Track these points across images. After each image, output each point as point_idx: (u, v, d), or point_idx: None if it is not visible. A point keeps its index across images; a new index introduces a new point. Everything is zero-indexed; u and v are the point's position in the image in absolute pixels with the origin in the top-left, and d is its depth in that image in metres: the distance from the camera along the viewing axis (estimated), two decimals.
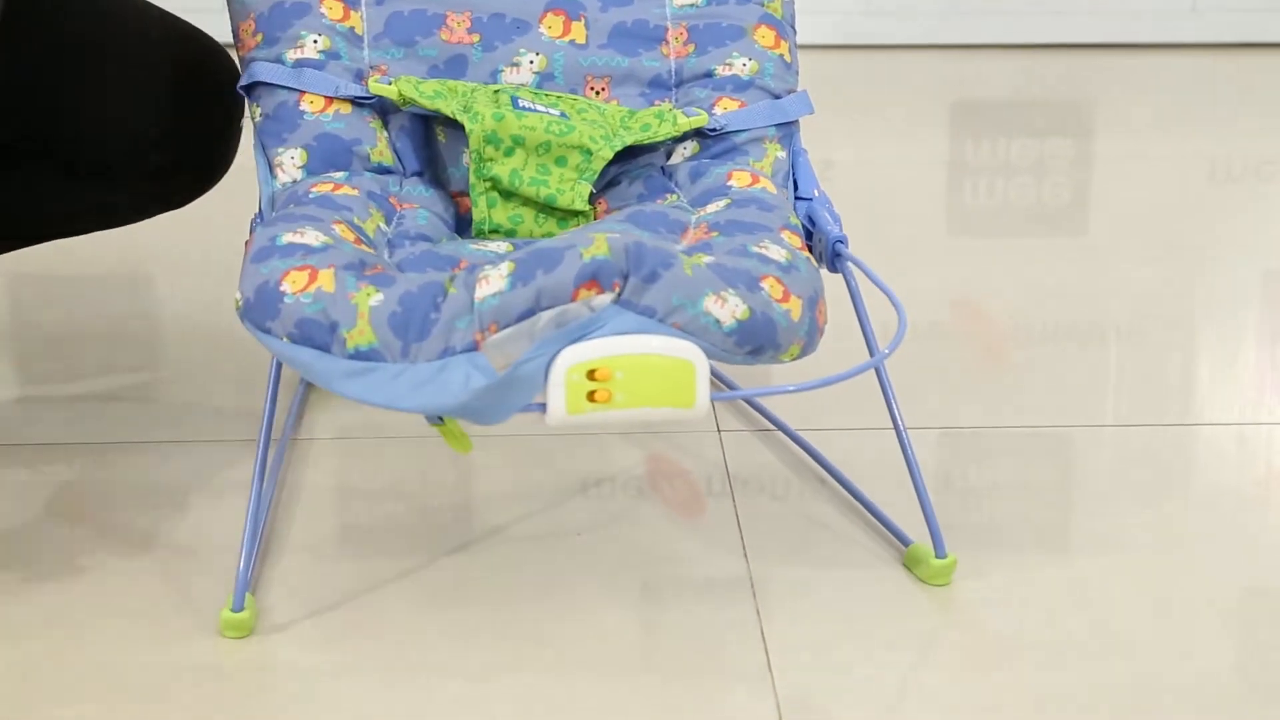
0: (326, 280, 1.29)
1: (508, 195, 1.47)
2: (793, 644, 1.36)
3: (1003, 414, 1.76)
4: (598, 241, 1.26)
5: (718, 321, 1.28)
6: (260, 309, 1.30)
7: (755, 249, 1.35)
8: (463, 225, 1.50)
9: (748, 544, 1.51)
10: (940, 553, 1.44)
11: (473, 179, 1.46)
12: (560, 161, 1.46)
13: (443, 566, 1.47)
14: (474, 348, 1.25)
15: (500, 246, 1.42)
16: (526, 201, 1.47)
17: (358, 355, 1.27)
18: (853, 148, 2.53)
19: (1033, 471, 1.66)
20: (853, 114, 2.70)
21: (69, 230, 1.68)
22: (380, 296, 1.28)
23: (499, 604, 1.42)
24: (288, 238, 1.34)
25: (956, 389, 1.81)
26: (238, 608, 1.36)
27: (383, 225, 1.42)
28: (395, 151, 1.51)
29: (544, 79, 1.54)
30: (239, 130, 1.63)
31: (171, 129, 1.57)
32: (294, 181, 1.46)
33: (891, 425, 1.45)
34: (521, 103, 1.47)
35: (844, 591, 1.44)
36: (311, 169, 1.47)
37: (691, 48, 1.56)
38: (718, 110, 1.53)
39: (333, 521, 1.56)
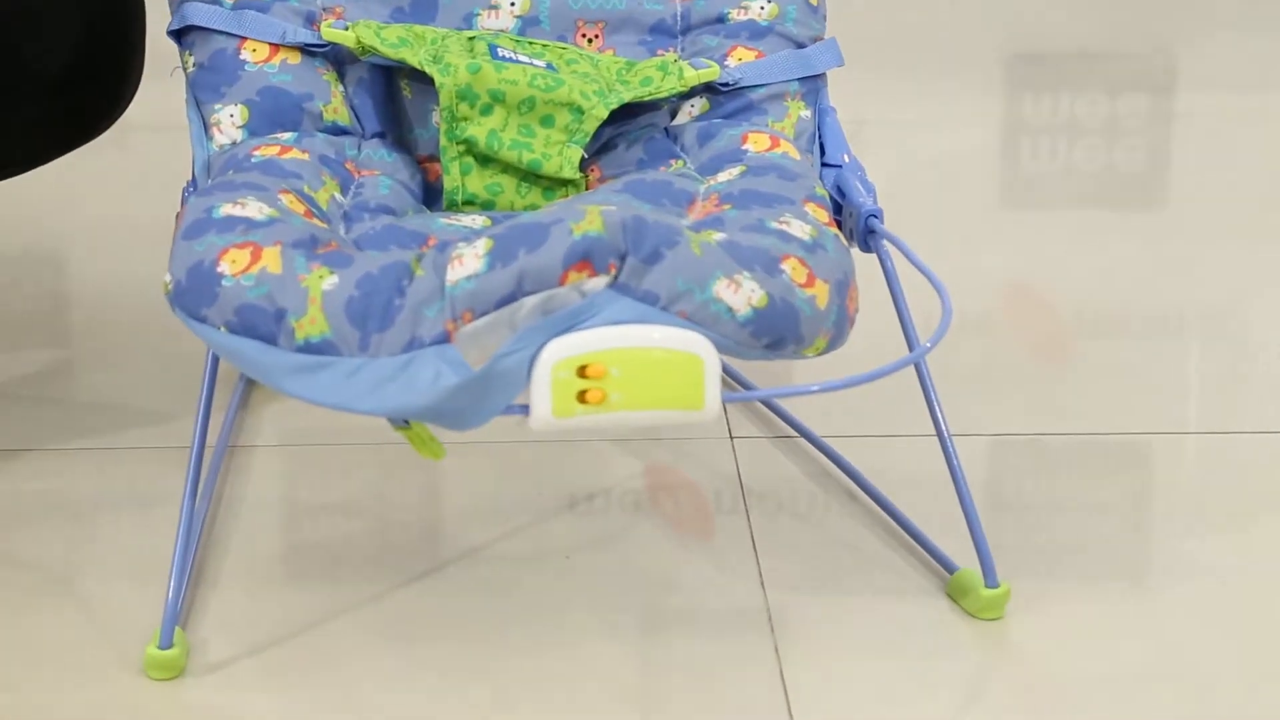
0: (272, 260, 1.30)
1: (485, 161, 1.48)
2: (817, 687, 1.37)
3: (1064, 419, 1.76)
4: (590, 215, 1.27)
5: (730, 309, 1.29)
6: (194, 293, 1.30)
7: (775, 224, 1.35)
8: (432, 196, 1.51)
9: (764, 569, 1.52)
10: (991, 581, 1.45)
11: (444, 142, 1.47)
12: (546, 121, 1.47)
13: (407, 595, 1.48)
14: (445, 340, 1.26)
15: (476, 221, 1.43)
16: (506, 168, 1.48)
17: (308, 348, 1.28)
18: (889, 106, 2.53)
19: (1100, 486, 1.66)
20: (889, 66, 2.70)
21: None
22: (335, 279, 1.28)
23: (473, 639, 1.43)
24: (226, 209, 1.34)
25: (1010, 389, 1.82)
26: (165, 644, 1.37)
27: (338, 195, 1.43)
28: (352, 109, 1.52)
29: (527, 24, 1.55)
30: (142, 33, 1.62)
31: (61, 36, 1.56)
32: (233, 143, 1.47)
33: (934, 431, 1.46)
34: (501, 52, 1.48)
35: (877, 626, 1.45)
36: (254, 129, 1.48)
37: None
38: (731, 61, 1.54)
39: (277, 542, 1.57)
